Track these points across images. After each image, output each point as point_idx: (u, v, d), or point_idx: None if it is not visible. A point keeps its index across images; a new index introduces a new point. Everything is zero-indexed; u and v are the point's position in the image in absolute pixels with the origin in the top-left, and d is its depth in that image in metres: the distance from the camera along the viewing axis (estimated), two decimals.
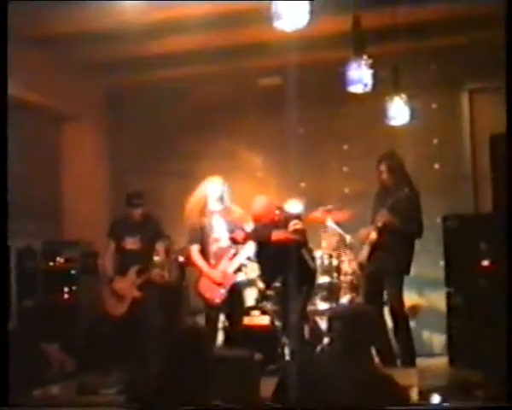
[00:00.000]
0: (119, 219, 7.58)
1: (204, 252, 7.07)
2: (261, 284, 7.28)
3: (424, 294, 8.42)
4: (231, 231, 7.05)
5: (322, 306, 7.58)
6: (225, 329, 7.21)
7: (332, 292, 7.57)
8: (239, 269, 7.17)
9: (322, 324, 7.41)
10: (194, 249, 7.09)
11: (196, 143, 9.29)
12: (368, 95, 6.56)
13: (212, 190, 7.05)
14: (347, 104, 8.55)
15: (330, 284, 7.54)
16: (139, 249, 7.30)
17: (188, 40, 7.86)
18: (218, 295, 6.96)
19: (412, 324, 7.19)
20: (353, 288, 7.56)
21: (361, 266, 7.14)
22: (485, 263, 6.89)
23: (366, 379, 3.48)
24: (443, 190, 8.43)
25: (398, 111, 7.25)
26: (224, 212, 7.07)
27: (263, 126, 9.15)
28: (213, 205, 7.06)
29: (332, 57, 7.57)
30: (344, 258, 7.63)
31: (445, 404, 5.07)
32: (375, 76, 6.29)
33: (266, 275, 7.19)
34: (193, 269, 7.56)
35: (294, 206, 7.94)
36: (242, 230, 7.06)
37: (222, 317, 7.20)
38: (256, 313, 7.01)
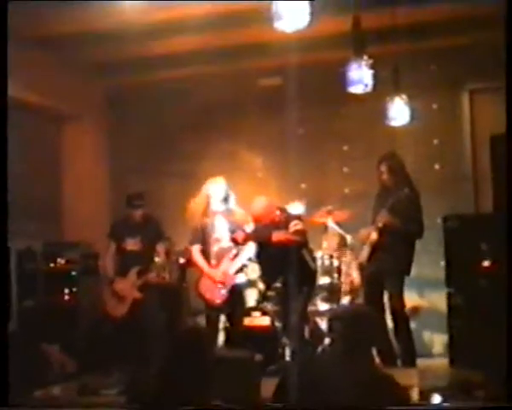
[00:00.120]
0: (119, 220, 7.59)
1: (205, 252, 7.08)
2: (261, 285, 7.28)
3: (425, 294, 8.42)
4: (233, 231, 7.05)
5: (323, 306, 7.58)
6: (226, 329, 7.21)
7: (332, 293, 7.56)
8: (240, 270, 7.17)
9: (323, 324, 7.41)
10: (196, 249, 7.10)
11: (196, 144, 9.29)
12: (368, 95, 6.56)
13: (214, 191, 7.04)
14: (348, 105, 8.55)
15: (331, 284, 7.54)
16: (140, 250, 7.31)
17: (189, 40, 7.87)
18: (219, 295, 6.96)
19: (413, 324, 7.19)
20: (354, 288, 7.55)
21: (361, 266, 7.14)
22: (486, 263, 6.90)
23: (367, 380, 3.48)
24: (443, 191, 8.43)
25: (399, 111, 7.25)
26: (226, 212, 7.07)
27: (263, 127, 9.15)
28: (216, 205, 7.06)
29: (332, 58, 7.57)
30: (344, 258, 7.62)
31: (445, 404, 5.07)
32: (375, 76, 6.29)
33: (267, 276, 7.18)
34: (193, 270, 7.56)
35: (295, 206, 7.94)
36: (243, 230, 7.06)
37: (222, 317, 7.20)
38: (256, 313, 7.00)
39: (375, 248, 6.89)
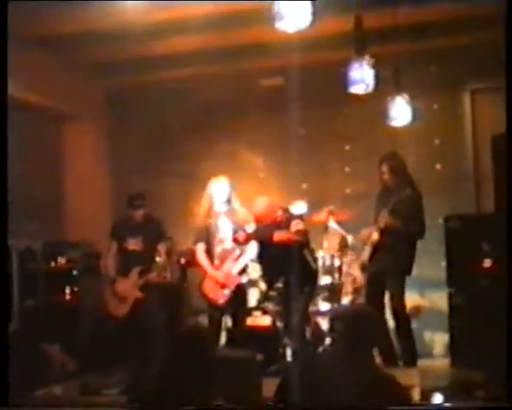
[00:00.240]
0: (121, 220, 7.59)
1: (209, 253, 7.06)
2: (263, 285, 7.28)
3: (426, 294, 8.42)
4: (236, 232, 7.03)
5: (324, 306, 7.58)
6: (228, 329, 7.20)
7: (334, 293, 7.56)
8: (243, 270, 7.16)
9: (324, 324, 7.41)
10: (200, 249, 7.07)
11: (198, 144, 9.30)
12: (369, 95, 6.55)
13: (217, 191, 7.03)
14: (349, 105, 8.55)
15: (332, 284, 7.54)
16: (141, 250, 7.30)
17: (190, 40, 7.87)
18: (222, 295, 6.94)
19: (414, 324, 7.18)
20: (355, 288, 7.56)
21: (363, 266, 7.13)
22: (487, 263, 6.90)
23: (368, 379, 3.48)
24: (445, 191, 8.43)
25: (400, 111, 7.24)
26: (229, 213, 7.06)
27: (265, 127, 9.15)
28: (219, 206, 7.04)
29: (334, 58, 7.57)
30: (346, 259, 7.62)
31: (446, 404, 5.07)
32: (376, 76, 6.29)
33: (268, 276, 7.19)
34: (196, 270, 7.56)
35: (296, 206, 7.94)
36: (244, 230, 7.05)
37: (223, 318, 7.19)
38: (258, 313, 7.01)
39: (377, 249, 6.89)
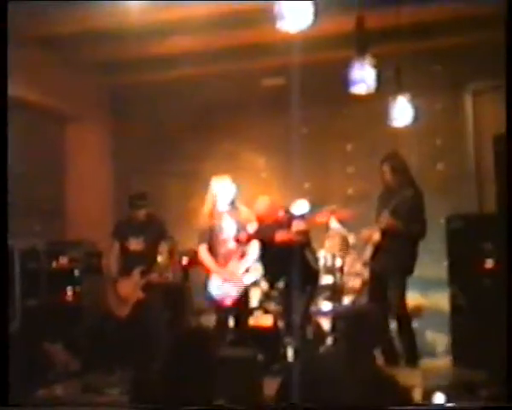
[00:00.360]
0: (123, 220, 7.58)
1: (213, 253, 7.03)
2: (265, 285, 7.28)
3: (427, 294, 8.41)
4: (239, 231, 7.02)
5: (326, 306, 7.59)
6: (230, 329, 7.19)
7: (335, 292, 7.58)
8: (247, 270, 7.14)
9: (326, 324, 7.41)
10: (203, 249, 7.04)
11: (200, 144, 9.31)
12: (371, 95, 6.56)
13: (221, 190, 7.01)
14: (350, 105, 8.56)
15: (334, 284, 7.55)
16: (143, 250, 7.30)
17: (191, 41, 7.88)
18: (229, 296, 6.91)
19: (415, 324, 7.18)
20: (356, 288, 7.56)
21: (364, 266, 7.14)
22: (489, 263, 6.90)
23: (369, 379, 3.48)
24: (446, 191, 8.43)
25: (402, 111, 7.24)
26: (232, 212, 7.05)
27: (266, 127, 9.17)
28: (223, 205, 7.02)
29: (335, 58, 7.57)
30: (347, 258, 7.63)
31: (447, 404, 5.07)
32: (378, 76, 6.29)
33: (270, 275, 7.19)
34: (197, 270, 7.56)
35: (298, 206, 7.94)
36: (246, 230, 7.05)
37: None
38: (259, 313, 7.01)
39: (378, 248, 6.89)
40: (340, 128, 9.14)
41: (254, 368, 5.48)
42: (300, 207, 7.74)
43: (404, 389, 3.60)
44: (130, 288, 7.19)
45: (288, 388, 3.69)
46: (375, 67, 6.26)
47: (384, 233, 6.81)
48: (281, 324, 6.91)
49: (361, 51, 6.25)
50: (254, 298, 7.61)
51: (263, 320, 7.04)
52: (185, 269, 8.36)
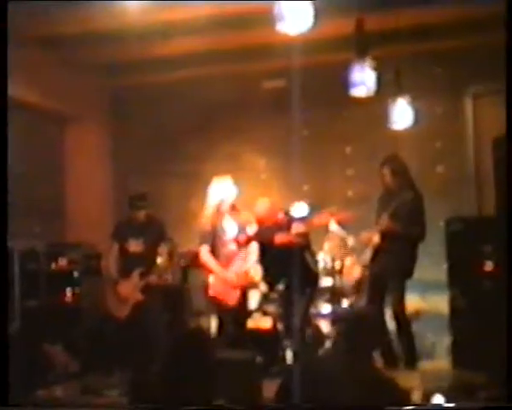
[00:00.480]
0: (122, 221, 7.57)
1: (215, 254, 6.93)
2: (264, 287, 7.28)
3: (427, 296, 8.40)
4: (238, 233, 6.99)
5: (325, 308, 7.58)
6: (230, 331, 7.18)
7: (335, 295, 7.57)
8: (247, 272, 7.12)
9: (325, 326, 7.41)
10: (205, 250, 6.93)
11: (200, 145, 9.32)
12: (371, 98, 6.57)
13: (222, 191, 6.96)
14: (350, 107, 8.56)
15: (333, 286, 7.55)
16: (142, 252, 7.29)
17: (192, 42, 7.89)
18: (232, 297, 6.88)
19: (414, 326, 7.17)
20: (356, 291, 7.56)
21: (364, 268, 7.14)
22: (488, 266, 6.90)
23: (368, 381, 3.48)
24: (446, 193, 8.43)
25: (401, 114, 7.26)
26: (232, 213, 7.02)
27: (267, 129, 9.17)
28: (224, 206, 6.98)
29: (335, 60, 7.57)
30: (347, 261, 7.63)
31: (446, 405, 5.07)
32: (378, 79, 6.30)
33: (269, 278, 7.18)
34: (197, 271, 7.54)
35: (298, 208, 7.94)
36: (245, 232, 7.04)
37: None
38: (259, 315, 7.00)
39: (378, 251, 6.89)
40: (340, 130, 9.15)
41: (253, 370, 5.47)
42: (299, 209, 7.77)
43: (403, 391, 3.61)
44: (130, 289, 7.18)
45: (287, 390, 3.70)
46: (375, 69, 6.28)
47: (384, 236, 6.81)
48: (280, 326, 6.91)
49: (361, 54, 6.26)
50: (253, 300, 7.60)
51: (262, 322, 7.02)
52: (185, 271, 8.35)
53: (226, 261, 6.94)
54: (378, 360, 5.61)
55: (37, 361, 6.73)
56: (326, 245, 7.69)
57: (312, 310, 7.36)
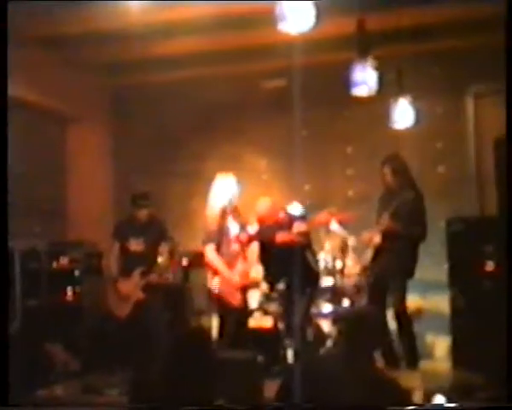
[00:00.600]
0: (123, 220, 7.58)
1: (219, 253, 6.86)
2: (265, 286, 7.27)
3: (427, 296, 8.40)
4: (241, 232, 6.96)
5: (326, 308, 7.58)
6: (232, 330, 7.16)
7: (335, 294, 7.57)
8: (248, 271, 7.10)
9: (326, 326, 7.41)
10: (211, 249, 6.85)
11: (201, 145, 9.32)
12: (372, 97, 6.57)
13: (226, 189, 6.92)
14: (352, 107, 8.57)
15: (334, 286, 7.54)
16: (143, 251, 7.30)
17: (192, 42, 7.89)
18: (236, 297, 6.87)
19: (415, 326, 7.18)
20: (357, 290, 7.55)
21: (365, 268, 7.14)
22: (489, 266, 6.91)
23: (369, 381, 3.48)
24: (447, 193, 8.43)
25: (403, 114, 7.26)
26: (234, 212, 6.99)
27: (268, 128, 9.17)
28: (228, 204, 6.93)
29: (336, 59, 7.58)
30: (348, 260, 7.62)
31: (446, 405, 5.08)
32: (379, 79, 6.30)
33: (270, 277, 7.18)
34: (198, 271, 7.54)
35: (298, 208, 7.94)
36: (246, 231, 7.03)
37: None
38: (259, 314, 7.00)
39: (379, 251, 6.89)
40: (341, 130, 9.15)
41: (254, 370, 5.47)
42: (301, 208, 7.75)
43: (404, 390, 3.61)
44: (131, 288, 7.19)
45: (287, 389, 3.70)
46: (377, 69, 6.28)
47: (384, 235, 6.81)
48: (281, 325, 6.90)
49: (362, 53, 6.26)
50: (254, 299, 7.60)
51: (263, 322, 7.02)
52: (186, 270, 8.35)
53: (230, 261, 6.90)
54: (379, 359, 5.60)
55: (37, 360, 6.74)
56: (327, 245, 7.69)
57: (313, 310, 7.35)
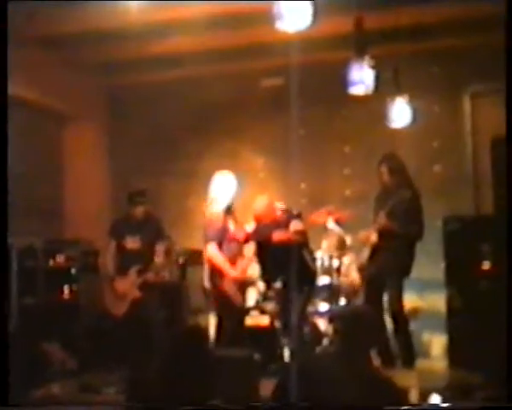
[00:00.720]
0: (120, 218, 7.59)
1: (220, 251, 6.83)
2: (262, 285, 7.27)
3: (424, 295, 8.41)
4: (238, 230, 6.96)
5: (323, 307, 7.58)
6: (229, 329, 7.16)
7: (332, 293, 7.57)
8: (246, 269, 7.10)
9: (322, 325, 7.41)
10: (212, 247, 6.80)
11: (198, 144, 9.32)
12: (369, 96, 6.57)
13: (225, 187, 6.90)
14: (349, 105, 8.57)
15: (331, 285, 7.54)
16: (140, 249, 7.30)
17: (190, 41, 7.88)
18: (237, 295, 6.84)
19: (412, 325, 7.19)
20: (354, 289, 7.56)
21: (361, 267, 7.14)
22: (486, 265, 6.91)
23: (366, 380, 3.49)
24: (444, 192, 8.43)
25: (400, 113, 7.25)
26: (233, 211, 6.98)
27: (265, 127, 9.17)
28: (228, 202, 6.92)
29: (334, 58, 7.58)
30: (344, 259, 7.63)
31: (444, 404, 5.08)
32: (376, 77, 6.30)
33: (267, 275, 7.18)
34: (194, 269, 7.54)
35: (295, 206, 7.94)
36: (244, 230, 7.03)
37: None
38: (256, 313, 7.00)
39: (375, 250, 6.90)
40: (338, 129, 9.15)
41: (251, 368, 5.47)
42: (298, 207, 7.75)
43: (400, 390, 3.61)
44: (127, 286, 7.19)
45: (284, 388, 3.70)
46: (374, 68, 6.28)
47: (381, 234, 6.82)
48: (278, 324, 6.90)
49: (360, 52, 6.26)
50: (251, 298, 7.60)
51: (260, 320, 7.02)
52: (182, 268, 8.35)
53: (232, 259, 6.88)
54: (375, 358, 5.60)
55: (34, 359, 6.72)
56: (324, 243, 7.69)
57: (310, 308, 7.35)
